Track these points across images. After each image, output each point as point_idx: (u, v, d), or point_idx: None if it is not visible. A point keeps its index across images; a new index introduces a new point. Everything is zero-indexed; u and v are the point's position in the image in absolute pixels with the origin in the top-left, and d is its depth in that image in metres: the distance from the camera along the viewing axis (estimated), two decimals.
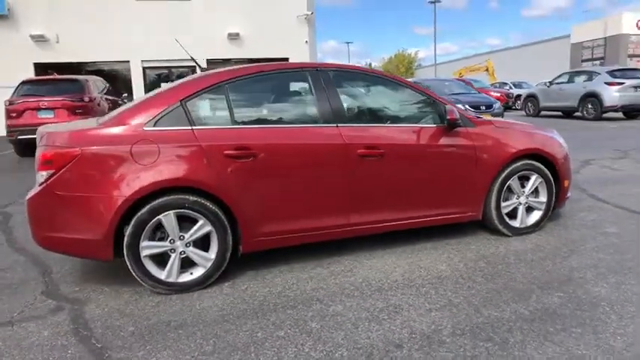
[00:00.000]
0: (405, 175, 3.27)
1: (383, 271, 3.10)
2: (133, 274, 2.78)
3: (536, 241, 3.56)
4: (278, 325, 2.45)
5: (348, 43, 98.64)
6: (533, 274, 2.96)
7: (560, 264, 3.11)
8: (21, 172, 7.77)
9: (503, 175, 3.52)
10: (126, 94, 12.16)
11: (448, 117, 3.24)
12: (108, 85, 11.13)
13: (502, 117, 10.78)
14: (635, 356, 2.08)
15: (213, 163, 2.81)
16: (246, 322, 2.49)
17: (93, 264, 3.39)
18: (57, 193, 2.65)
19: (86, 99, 9.01)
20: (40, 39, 15.96)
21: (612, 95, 13.16)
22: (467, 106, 10.66)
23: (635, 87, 13.14)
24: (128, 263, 2.75)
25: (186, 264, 2.89)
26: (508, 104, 21.22)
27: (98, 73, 14.27)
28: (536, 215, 3.73)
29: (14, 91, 9.28)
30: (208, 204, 2.81)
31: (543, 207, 3.72)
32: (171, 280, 2.83)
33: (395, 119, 3.40)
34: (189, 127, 2.84)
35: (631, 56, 39.52)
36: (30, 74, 14.63)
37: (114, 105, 10.36)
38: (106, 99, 10.21)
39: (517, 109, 20.88)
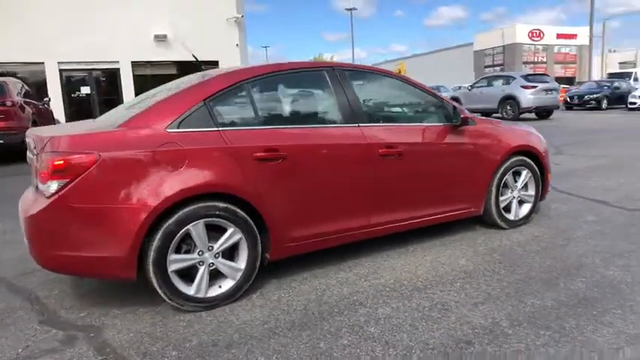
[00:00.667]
0: (419, 173, 3.30)
1: (408, 271, 3.10)
2: (160, 292, 2.49)
3: (532, 232, 3.78)
4: (335, 333, 2.34)
5: (265, 47, 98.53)
6: (547, 263, 3.14)
7: (565, 252, 3.33)
8: None
9: (501, 171, 3.70)
10: (48, 99, 10.97)
11: (462, 116, 3.33)
12: (26, 87, 9.97)
13: None
14: None
15: (244, 167, 2.62)
16: (300, 334, 2.34)
17: (85, 285, 3.01)
18: (72, 206, 2.30)
19: (8, 103, 7.97)
20: None
21: (528, 97, 14.52)
22: None
23: (546, 90, 14.63)
24: (154, 281, 2.46)
25: (212, 277, 2.65)
26: None
27: (7, 76, 12.75)
28: (526, 208, 3.97)
29: None
30: (238, 210, 2.61)
31: (532, 200, 3.97)
32: (200, 295, 2.58)
33: (407, 118, 3.43)
34: (216, 129, 2.62)
35: (525, 63, 44.12)
36: None
37: (37, 110, 9.31)
38: (27, 102, 9.13)
39: None
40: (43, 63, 15.26)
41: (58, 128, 3.10)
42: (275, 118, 2.93)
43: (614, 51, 56.95)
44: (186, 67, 17.54)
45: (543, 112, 15.51)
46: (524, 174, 3.87)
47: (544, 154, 4.01)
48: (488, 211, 3.75)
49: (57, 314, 2.64)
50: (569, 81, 38.46)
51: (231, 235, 2.61)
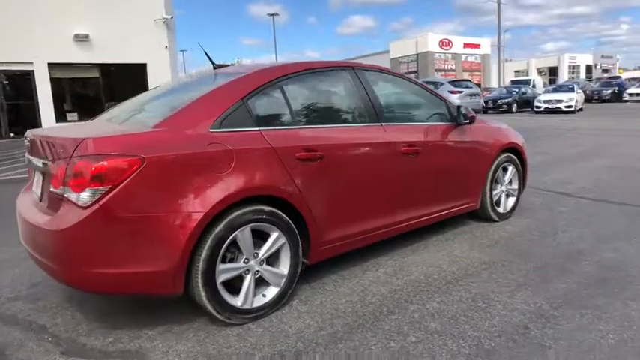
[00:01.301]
0: (433, 171, 3.41)
1: (432, 265, 3.18)
2: (208, 306, 2.30)
3: (520, 224, 4.06)
4: (399, 331, 2.33)
5: (182, 51, 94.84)
6: (550, 251, 3.38)
7: (561, 239, 3.62)
8: None
9: (494, 167, 3.94)
10: None
11: (470, 115, 3.49)
12: None
13: None
14: None
15: (286, 168, 2.52)
16: (364, 336, 2.30)
17: (87, 305, 2.71)
18: (115, 216, 2.05)
19: None
20: None
21: (455, 102, 15.51)
22: None
23: (470, 95, 15.79)
24: (203, 294, 2.27)
25: (254, 285, 2.51)
26: None
27: None
28: (511, 201, 4.25)
29: None
30: (282, 214, 2.50)
31: (516, 193, 4.27)
32: (247, 306, 2.43)
33: (419, 118, 3.51)
34: (257, 129, 2.49)
35: (437, 70, 47.30)
36: None
37: None
38: None
39: None
40: None
41: (74, 129, 2.72)
42: (309, 117, 2.85)
43: (510, 60, 63.17)
44: (111, 71, 16.40)
45: None
46: (510, 169, 4.15)
47: (524, 151, 4.33)
48: (483, 206, 3.96)
49: (78, 342, 2.34)
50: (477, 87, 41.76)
51: (276, 240, 2.50)
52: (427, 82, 17.68)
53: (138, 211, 2.09)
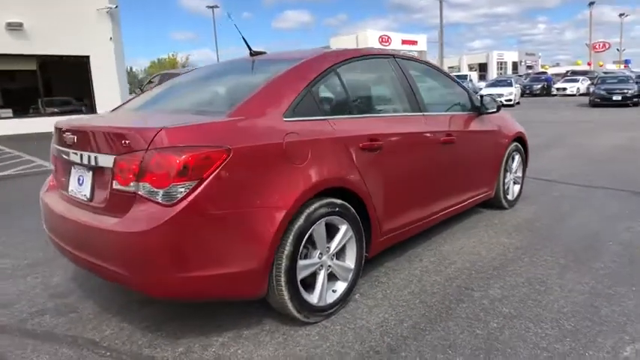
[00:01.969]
0: (464, 160, 3.45)
1: (471, 253, 3.22)
2: (289, 305, 2.18)
3: (529, 210, 4.23)
4: (477, 318, 2.33)
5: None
6: (575, 234, 3.54)
7: (574, 223, 3.81)
8: None
9: (506, 155, 4.07)
10: None
11: (497, 104, 3.57)
12: None
13: None
14: None
15: (353, 159, 2.43)
16: (447, 326, 2.28)
17: (131, 314, 2.46)
18: (203, 213, 1.86)
19: None
20: None
21: None
22: None
23: None
24: (285, 293, 2.14)
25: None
26: None
27: None
28: (517, 189, 4.43)
29: None
30: (350, 206, 2.42)
31: (521, 181, 4.45)
32: (322, 303, 2.33)
33: (448, 107, 3.53)
34: (324, 117, 2.38)
35: None
36: None
37: None
38: None
39: None
40: None
41: (122, 119, 2.46)
42: (365, 106, 2.77)
43: (443, 57, 65.99)
44: (49, 63, 15.13)
45: None
46: (517, 158, 4.32)
47: (527, 140, 4.51)
48: (497, 193, 4.08)
49: (143, 354, 2.12)
50: None
51: (345, 233, 2.41)
52: None
53: (225, 207, 1.92)
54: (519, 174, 4.42)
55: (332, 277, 2.44)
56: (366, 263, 2.97)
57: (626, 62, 53.99)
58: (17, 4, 13.60)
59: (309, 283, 2.31)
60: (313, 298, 2.28)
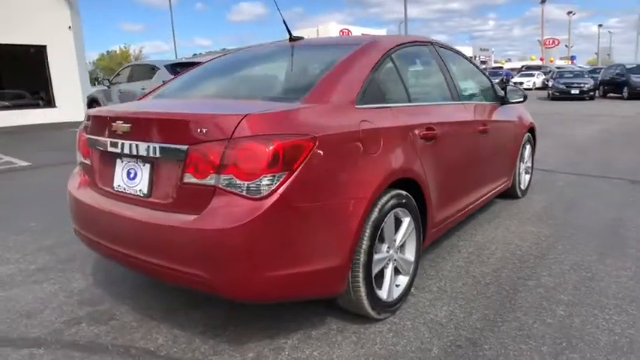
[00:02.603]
0: (494, 149, 3.46)
1: (505, 242, 3.23)
2: (365, 302, 2.07)
3: (542, 199, 4.31)
4: (541, 307, 2.32)
5: None
6: (596, 221, 3.62)
7: (589, 210, 3.91)
8: None
9: (522, 145, 4.12)
10: None
11: (524, 94, 3.59)
12: None
13: None
14: None
15: (415, 148, 2.35)
16: (516, 316, 2.25)
17: (177, 319, 2.28)
18: (294, 207, 1.72)
19: None
20: None
21: None
22: None
23: None
24: (363, 290, 2.03)
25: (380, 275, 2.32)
26: None
27: None
28: (527, 178, 4.50)
29: None
30: (411, 197, 2.34)
31: (531, 170, 4.53)
32: (390, 299, 2.24)
33: (478, 96, 3.51)
34: (387, 105, 2.28)
35: None
36: None
37: None
38: None
39: None
40: None
41: (192, 104, 2.28)
42: (418, 94, 2.68)
43: None
44: (1, 53, 14.07)
45: None
46: (528, 148, 4.38)
47: (536, 130, 4.59)
48: (513, 183, 4.12)
49: None
50: None
51: (408, 225, 2.33)
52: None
53: (312, 200, 1.78)
54: (529, 164, 4.49)
55: (395, 272, 2.35)
56: None
57: (572, 58, 56.94)
58: None
59: (376, 278, 2.21)
60: (383, 294, 2.19)
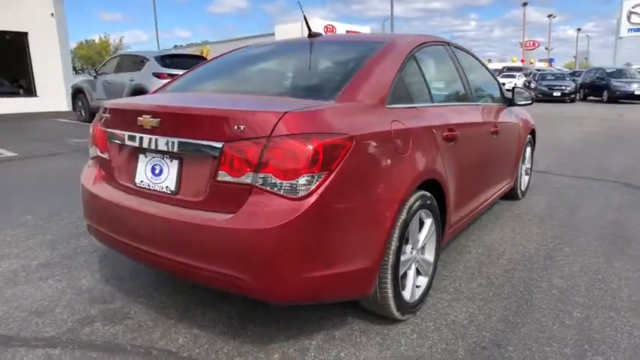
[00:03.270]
0: (503, 150, 3.49)
1: (513, 244, 3.26)
2: (392, 304, 2.06)
3: (541, 200, 4.38)
4: (558, 309, 2.35)
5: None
6: (598, 223, 3.68)
7: (589, 212, 3.99)
8: None
9: (524, 147, 4.17)
10: None
11: (531, 98, 3.62)
12: None
13: None
14: None
15: (439, 149, 2.35)
16: (535, 318, 2.27)
17: (192, 319, 2.23)
18: (332, 207, 1.70)
19: None
20: None
21: None
22: None
23: None
24: (390, 291, 2.02)
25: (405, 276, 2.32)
26: None
27: None
28: (527, 179, 4.56)
29: None
30: (434, 198, 2.34)
31: (530, 172, 4.59)
32: (412, 300, 2.24)
33: (488, 97, 3.53)
34: (413, 105, 2.27)
35: None
36: None
37: None
38: None
39: None
40: None
41: (224, 99, 2.21)
42: (439, 94, 2.68)
43: None
44: None
45: None
46: (529, 150, 4.44)
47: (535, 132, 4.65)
48: (515, 184, 4.17)
49: None
50: None
51: (430, 226, 2.33)
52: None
53: (349, 201, 1.76)
54: (529, 165, 4.56)
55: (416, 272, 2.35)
56: None
57: (550, 61, 58.13)
58: None
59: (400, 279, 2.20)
60: (406, 295, 2.19)
